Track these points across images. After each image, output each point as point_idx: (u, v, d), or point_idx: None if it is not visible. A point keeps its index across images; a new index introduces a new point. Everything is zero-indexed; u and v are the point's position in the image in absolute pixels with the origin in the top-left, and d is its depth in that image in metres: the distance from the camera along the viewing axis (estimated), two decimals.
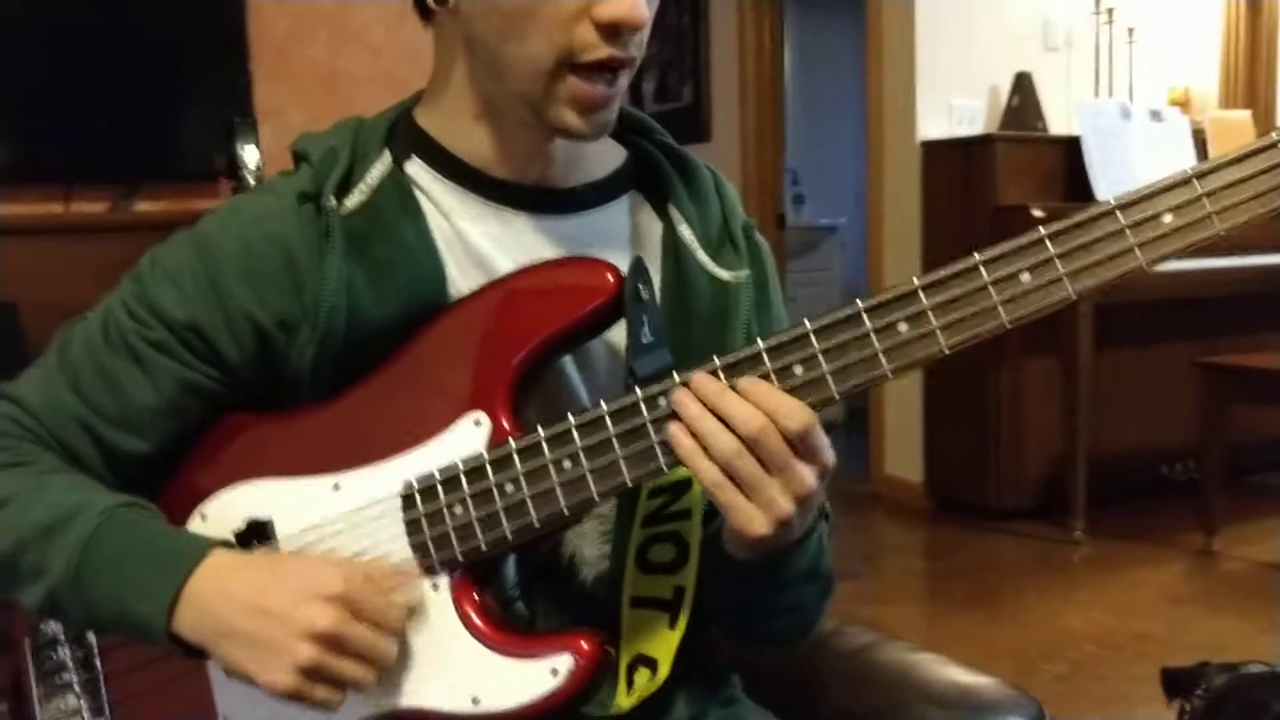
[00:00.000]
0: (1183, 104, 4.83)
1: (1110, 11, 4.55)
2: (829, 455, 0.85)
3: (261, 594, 0.88)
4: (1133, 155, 4.13)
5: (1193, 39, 4.97)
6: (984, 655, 1.15)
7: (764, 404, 0.83)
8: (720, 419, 0.83)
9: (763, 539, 0.84)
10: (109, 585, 0.92)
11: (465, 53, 0.97)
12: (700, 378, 0.85)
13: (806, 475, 0.83)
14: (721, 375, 0.85)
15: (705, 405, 0.84)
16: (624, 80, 0.94)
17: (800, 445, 0.83)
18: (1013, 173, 4.12)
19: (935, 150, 4.35)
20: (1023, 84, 4.39)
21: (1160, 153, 4.20)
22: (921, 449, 4.48)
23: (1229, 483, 3.91)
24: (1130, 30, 4.60)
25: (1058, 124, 4.46)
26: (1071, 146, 4.17)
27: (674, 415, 0.85)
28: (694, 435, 0.84)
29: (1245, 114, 4.76)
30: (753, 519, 0.83)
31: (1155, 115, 4.32)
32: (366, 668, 0.88)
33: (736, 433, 0.82)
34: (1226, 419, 3.72)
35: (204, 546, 0.92)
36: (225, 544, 0.94)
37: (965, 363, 4.13)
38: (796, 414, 0.82)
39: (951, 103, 4.41)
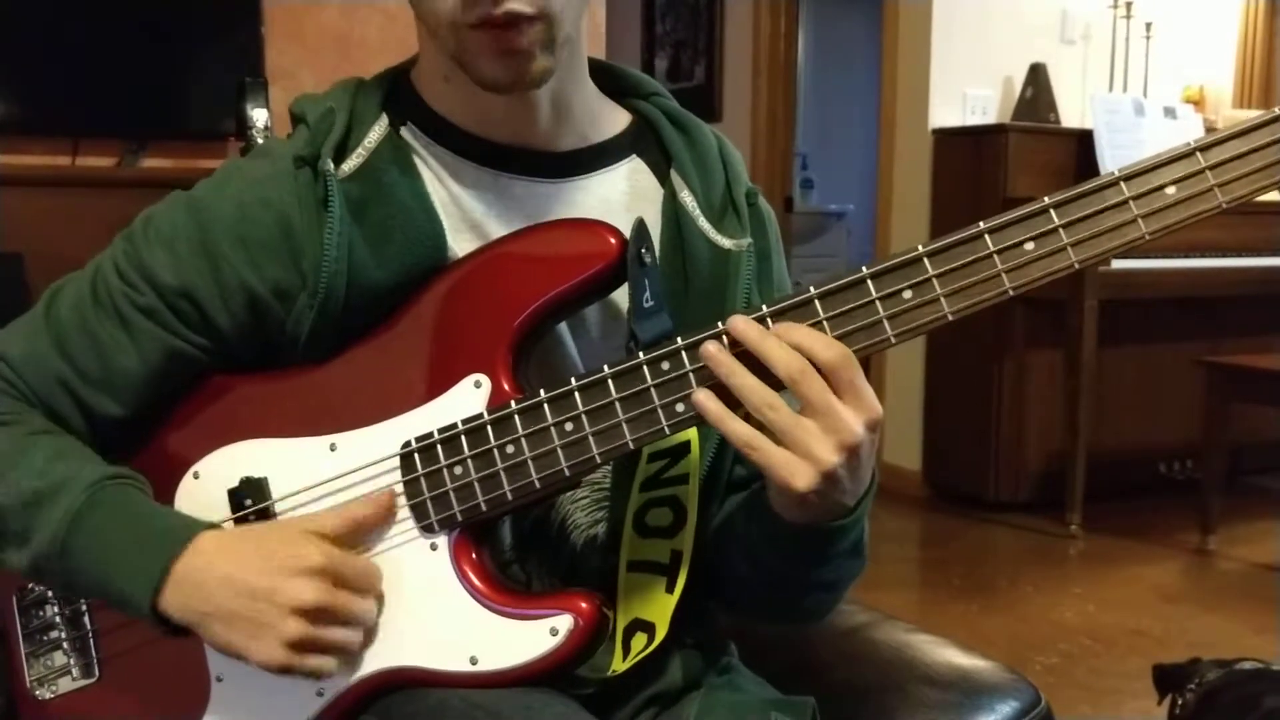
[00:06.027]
0: (1197, 102, 4.80)
1: (1128, 6, 4.52)
2: (873, 400, 0.83)
3: (247, 572, 0.88)
4: (1145, 151, 4.02)
5: (1210, 37, 4.95)
6: (976, 643, 1.15)
7: (801, 343, 0.82)
8: (756, 366, 0.82)
9: (808, 494, 0.82)
10: (95, 560, 0.91)
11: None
12: (738, 321, 0.84)
13: (850, 420, 0.81)
14: (725, 340, 0.84)
15: (748, 349, 0.82)
16: (534, 31, 0.88)
17: (838, 382, 0.81)
18: (1023, 164, 4.10)
19: (947, 139, 4.33)
20: (1037, 75, 4.37)
21: None
22: (920, 438, 4.47)
23: (1227, 483, 3.90)
24: (1148, 25, 4.57)
25: (1071, 117, 4.44)
26: (1084, 140, 4.14)
27: (685, 377, 0.85)
28: (728, 390, 0.83)
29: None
30: (795, 472, 0.82)
31: (1169, 112, 4.29)
32: (352, 632, 0.90)
33: (778, 375, 0.82)
34: (1228, 419, 3.72)
35: (193, 528, 0.92)
36: (212, 526, 0.93)
37: (967, 353, 4.19)
38: (831, 346, 0.82)
39: (965, 92, 4.39)
